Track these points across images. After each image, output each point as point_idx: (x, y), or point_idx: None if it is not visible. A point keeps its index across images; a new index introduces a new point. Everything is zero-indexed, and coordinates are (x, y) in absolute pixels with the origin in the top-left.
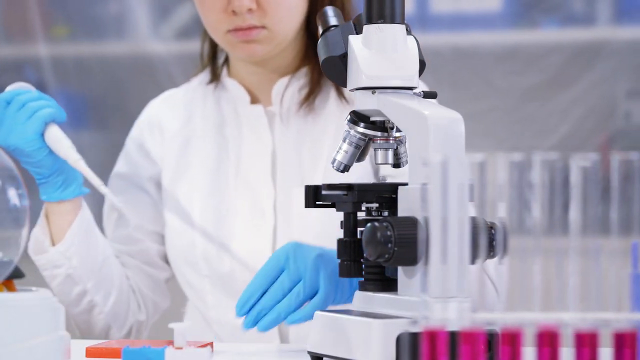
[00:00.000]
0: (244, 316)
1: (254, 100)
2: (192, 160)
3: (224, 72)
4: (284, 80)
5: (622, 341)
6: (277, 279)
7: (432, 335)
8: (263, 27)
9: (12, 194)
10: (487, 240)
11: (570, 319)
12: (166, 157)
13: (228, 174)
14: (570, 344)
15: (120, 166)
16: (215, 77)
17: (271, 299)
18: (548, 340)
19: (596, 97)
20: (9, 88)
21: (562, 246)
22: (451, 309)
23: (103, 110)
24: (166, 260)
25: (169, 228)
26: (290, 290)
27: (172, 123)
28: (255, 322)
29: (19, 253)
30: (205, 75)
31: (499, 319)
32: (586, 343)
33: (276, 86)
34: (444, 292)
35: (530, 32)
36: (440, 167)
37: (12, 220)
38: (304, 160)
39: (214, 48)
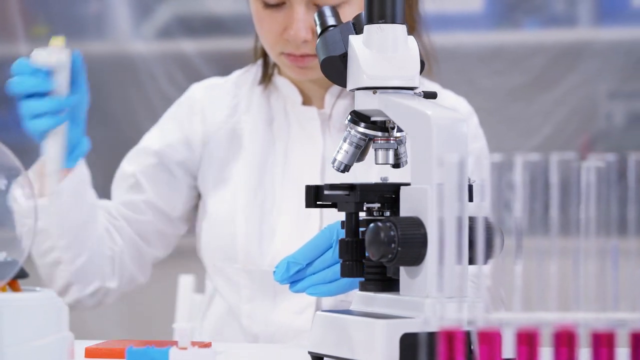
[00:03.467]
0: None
1: (305, 101)
2: (239, 153)
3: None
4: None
5: (638, 341)
6: (323, 254)
7: (450, 336)
8: (316, 55)
9: (19, 194)
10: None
11: (587, 319)
12: (210, 148)
13: (275, 171)
14: (587, 345)
15: (152, 142)
16: (266, 78)
17: (314, 270)
18: (566, 341)
19: (579, 98)
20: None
21: (578, 246)
22: (466, 309)
23: None
24: (162, 242)
25: (210, 218)
26: (329, 267)
27: (216, 114)
28: (293, 283)
29: (26, 253)
30: (252, 68)
31: (516, 319)
32: (604, 343)
33: (331, 90)
34: (458, 292)
35: (513, 32)
36: (457, 167)
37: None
38: (356, 165)
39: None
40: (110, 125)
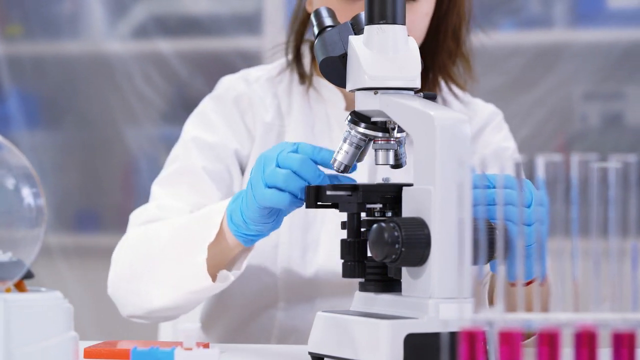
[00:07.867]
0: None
1: (348, 105)
2: None
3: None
4: None
5: None
6: None
7: (471, 336)
8: None
9: (27, 193)
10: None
11: (608, 320)
12: (257, 147)
13: None
14: (606, 345)
15: (206, 135)
16: (305, 79)
17: None
18: (586, 341)
19: (556, 99)
20: None
21: (597, 247)
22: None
23: (58, 109)
24: None
25: None
26: None
27: (268, 111)
28: None
29: (35, 253)
30: (285, 69)
31: (536, 319)
32: (625, 343)
33: None
34: (474, 293)
35: (490, 34)
36: (479, 168)
37: (26, 220)
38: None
39: (298, 48)
40: (86, 125)
